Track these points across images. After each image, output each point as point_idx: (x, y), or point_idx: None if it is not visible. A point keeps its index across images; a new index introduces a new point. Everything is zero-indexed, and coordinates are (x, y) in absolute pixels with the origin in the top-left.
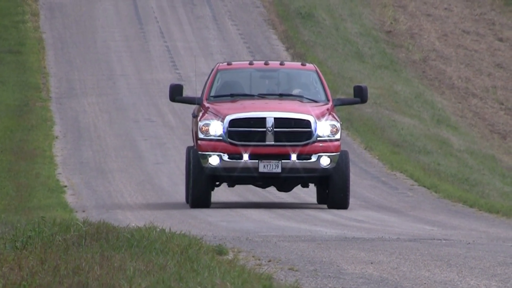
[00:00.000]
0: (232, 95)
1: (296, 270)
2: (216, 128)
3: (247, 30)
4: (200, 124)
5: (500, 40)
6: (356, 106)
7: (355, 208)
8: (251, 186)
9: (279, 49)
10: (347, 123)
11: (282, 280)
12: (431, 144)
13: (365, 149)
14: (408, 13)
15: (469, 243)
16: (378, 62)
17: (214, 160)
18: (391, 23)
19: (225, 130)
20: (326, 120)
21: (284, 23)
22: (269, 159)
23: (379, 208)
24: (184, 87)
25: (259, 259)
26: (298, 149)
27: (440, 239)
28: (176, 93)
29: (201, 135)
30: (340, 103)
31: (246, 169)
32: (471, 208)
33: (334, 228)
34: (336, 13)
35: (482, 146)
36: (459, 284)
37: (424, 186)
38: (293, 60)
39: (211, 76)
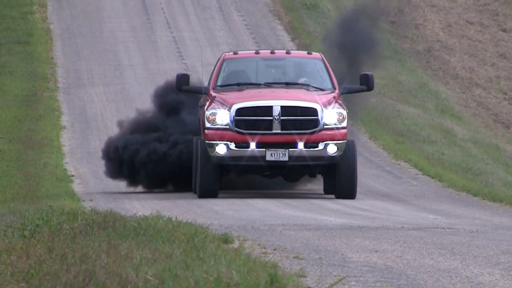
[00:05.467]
0: (238, 84)
1: (301, 259)
2: (222, 117)
3: (252, 20)
4: (207, 113)
5: (504, 30)
6: (361, 95)
7: (360, 197)
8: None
9: (284, 40)
10: (351, 113)
11: (287, 268)
12: (435, 134)
13: (370, 138)
14: (412, 4)
15: (472, 231)
16: (383, 52)
17: (221, 149)
18: (396, 14)
19: (232, 119)
20: (333, 108)
21: (289, 13)
22: (276, 147)
23: (383, 197)
24: (190, 76)
25: (264, 248)
26: (305, 137)
27: (444, 228)
28: (182, 83)
29: (208, 124)
30: (346, 91)
31: (253, 157)
32: (475, 197)
33: (339, 217)
34: (341, 4)
35: (485, 136)
36: (463, 272)
37: (428, 176)
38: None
39: (217, 65)
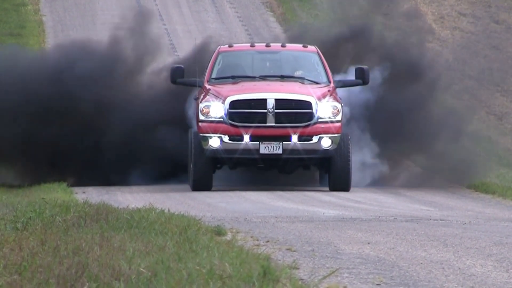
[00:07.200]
0: (233, 77)
1: (294, 251)
2: (216, 109)
3: (245, 12)
4: (201, 106)
5: (496, 22)
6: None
7: (353, 189)
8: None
9: (277, 32)
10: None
11: (280, 260)
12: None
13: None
14: None
15: (465, 223)
16: None
17: (214, 142)
18: (388, 5)
19: (226, 112)
20: (327, 101)
21: (282, 5)
22: (270, 140)
23: (376, 189)
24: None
25: (257, 240)
26: (299, 130)
27: (437, 220)
28: (177, 75)
29: (201, 117)
30: (341, 85)
31: (247, 150)
32: (468, 189)
33: (332, 209)
34: None
35: (478, 128)
36: (455, 264)
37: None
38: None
39: (212, 58)
